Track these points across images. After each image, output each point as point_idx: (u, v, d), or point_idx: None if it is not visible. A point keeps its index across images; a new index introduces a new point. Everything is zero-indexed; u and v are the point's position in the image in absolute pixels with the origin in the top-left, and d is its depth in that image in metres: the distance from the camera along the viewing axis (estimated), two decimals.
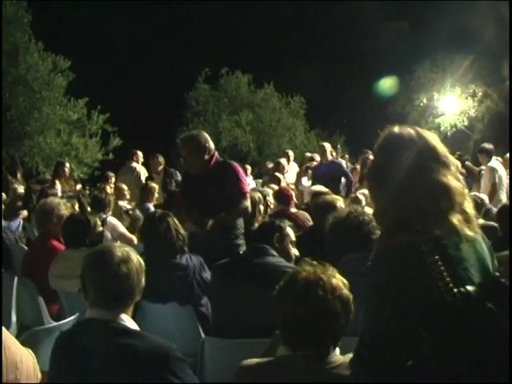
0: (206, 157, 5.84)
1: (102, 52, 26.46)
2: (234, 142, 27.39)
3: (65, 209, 6.22)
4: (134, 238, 7.29)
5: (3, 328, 2.94)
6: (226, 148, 26.93)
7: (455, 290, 2.06)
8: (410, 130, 2.36)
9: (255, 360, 2.74)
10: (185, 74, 26.41)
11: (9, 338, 2.92)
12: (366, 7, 26.49)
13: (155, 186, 9.78)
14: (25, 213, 9.97)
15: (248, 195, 5.96)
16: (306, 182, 12.64)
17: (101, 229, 5.82)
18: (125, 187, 9.81)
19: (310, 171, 12.71)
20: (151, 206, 9.02)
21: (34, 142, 21.25)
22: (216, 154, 5.99)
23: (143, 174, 11.88)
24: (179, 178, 11.30)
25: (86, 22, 26.24)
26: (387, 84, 26.06)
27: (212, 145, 5.95)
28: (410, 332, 2.06)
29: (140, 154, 12.17)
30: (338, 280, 2.60)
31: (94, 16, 26.33)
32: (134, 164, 11.91)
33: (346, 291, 2.58)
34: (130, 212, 8.32)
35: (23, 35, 21.54)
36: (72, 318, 4.13)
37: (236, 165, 6.02)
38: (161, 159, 11.99)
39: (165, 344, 2.71)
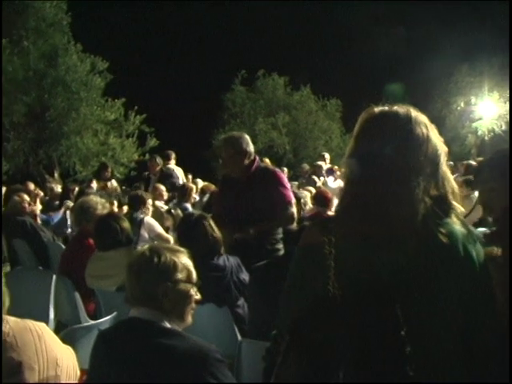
0: (247, 161, 5.65)
1: (140, 53, 26.64)
2: (270, 144, 27.40)
3: (102, 208, 6.24)
4: (171, 239, 7.31)
5: (44, 325, 2.96)
6: (262, 150, 26.92)
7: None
8: None
9: None
10: (222, 76, 26.49)
11: (49, 335, 2.93)
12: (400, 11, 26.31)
13: (193, 186, 9.85)
14: (69, 203, 10.03)
15: (293, 202, 5.81)
16: (332, 182, 12.61)
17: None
18: (163, 188, 9.86)
19: (338, 172, 12.68)
20: (189, 206, 9.08)
21: (71, 142, 21.48)
22: (257, 158, 5.81)
23: (180, 174, 11.90)
24: (175, 179, 11.32)
25: (123, 24, 26.43)
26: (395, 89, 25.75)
27: (253, 149, 5.78)
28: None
29: (174, 154, 12.20)
30: None
31: (132, 18, 26.52)
32: (171, 165, 11.94)
33: None
34: (173, 211, 8.37)
35: (62, 37, 21.83)
36: (110, 316, 4.14)
37: (280, 172, 5.89)
38: (158, 160, 11.95)
39: (204, 345, 2.69)
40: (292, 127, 27.95)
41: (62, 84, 21.11)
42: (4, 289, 2.93)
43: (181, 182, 11.75)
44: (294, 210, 5.75)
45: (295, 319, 2.00)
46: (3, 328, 2.81)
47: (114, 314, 4.19)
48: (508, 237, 2.46)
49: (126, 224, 5.59)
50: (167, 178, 11.39)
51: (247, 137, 5.82)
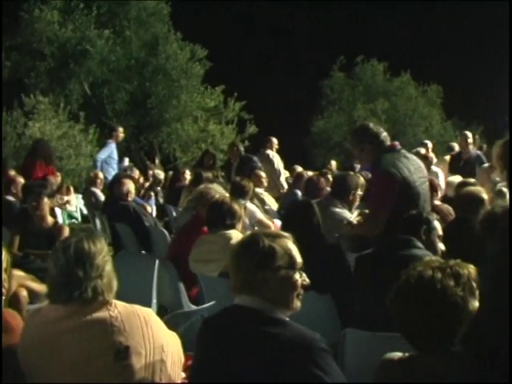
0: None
1: (239, 41, 26.74)
2: None
3: (214, 192, 6.31)
4: (272, 225, 7.30)
5: (151, 311, 2.98)
6: None
7: None
8: None
9: (397, 354, 2.63)
10: (320, 62, 26.30)
11: (156, 321, 2.95)
12: None
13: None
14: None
15: None
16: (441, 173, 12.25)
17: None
18: (263, 174, 9.87)
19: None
20: (299, 192, 9.14)
21: (171, 129, 21.83)
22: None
23: (278, 161, 11.87)
24: (255, 164, 11.28)
25: (222, 12, 26.61)
26: None
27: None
28: None
29: (275, 140, 12.16)
30: (465, 272, 2.49)
31: (231, 5, 26.64)
32: (269, 151, 11.93)
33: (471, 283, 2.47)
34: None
35: (163, 26, 22.19)
36: (212, 303, 4.14)
37: None
38: (239, 146, 12.08)
39: (309, 333, 2.63)
40: (391, 114, 27.48)
41: (163, 72, 21.45)
42: (113, 272, 2.96)
43: (280, 169, 11.71)
44: None
45: None
46: (111, 312, 2.84)
47: (217, 300, 4.18)
48: None
49: (238, 209, 5.58)
50: (247, 163, 11.36)
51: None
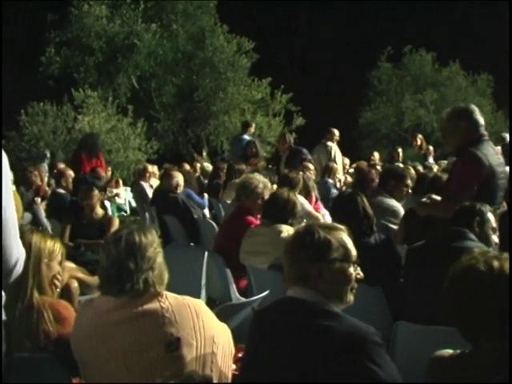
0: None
1: (285, 32, 26.66)
2: (417, 121, 26.72)
3: (263, 186, 6.29)
4: (320, 217, 7.26)
5: (202, 302, 2.98)
6: (409, 128, 26.35)
7: None
8: None
9: (448, 352, 2.59)
10: (367, 53, 26.05)
11: (207, 312, 2.95)
12: None
13: (336, 166, 9.85)
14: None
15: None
16: None
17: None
18: (311, 166, 9.84)
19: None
20: (329, 180, 9.10)
21: (219, 122, 21.90)
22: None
23: (336, 153, 11.79)
24: (304, 156, 11.21)
25: (268, 4, 26.52)
26: None
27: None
28: None
29: (336, 132, 12.10)
30: None
31: None
32: (329, 143, 11.86)
33: None
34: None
35: (209, 19, 22.25)
36: (263, 294, 4.13)
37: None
38: (288, 138, 12.03)
39: (363, 327, 2.59)
40: (440, 104, 27.06)
41: (210, 65, 21.52)
42: (164, 264, 2.97)
43: (338, 160, 11.65)
44: None
45: None
46: (163, 304, 2.85)
47: (267, 292, 4.17)
48: None
49: (295, 204, 5.55)
50: (296, 155, 11.34)
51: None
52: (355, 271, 2.76)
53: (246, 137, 12.49)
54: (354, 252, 2.77)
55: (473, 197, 4.83)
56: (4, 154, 2.57)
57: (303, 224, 2.92)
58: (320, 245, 2.70)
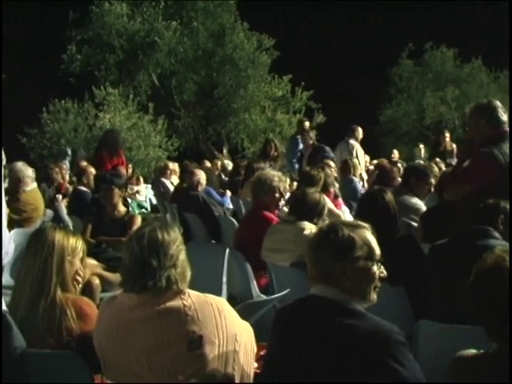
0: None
1: (306, 29, 26.61)
2: (439, 119, 26.58)
3: (278, 181, 6.27)
4: (341, 214, 7.24)
5: (224, 300, 2.97)
6: (430, 125, 26.20)
7: None
8: None
9: (471, 351, 2.56)
10: (388, 50, 25.92)
11: (229, 310, 2.95)
12: None
13: (355, 161, 9.81)
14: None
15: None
16: None
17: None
18: (332, 164, 9.81)
19: None
20: (354, 178, 9.05)
21: (239, 119, 21.93)
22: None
23: (358, 151, 11.73)
24: (327, 153, 11.17)
25: (288, 1, 26.46)
26: None
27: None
28: None
29: (360, 130, 12.04)
30: None
31: None
32: (351, 140, 11.81)
33: None
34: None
35: (230, 16, 22.29)
36: (284, 292, 4.11)
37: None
38: (311, 135, 12.08)
39: (386, 326, 2.57)
40: (462, 101, 26.89)
41: (230, 62, 21.55)
42: (187, 262, 2.96)
43: (360, 158, 11.59)
44: None
45: None
46: (185, 301, 2.85)
47: (288, 290, 4.15)
48: None
49: (319, 202, 5.53)
50: (319, 152, 11.32)
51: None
52: (379, 270, 2.74)
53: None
54: (377, 250, 2.74)
55: (486, 194, 4.77)
56: None
57: (326, 222, 2.88)
58: (344, 243, 2.67)
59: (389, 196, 4.64)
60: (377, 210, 4.52)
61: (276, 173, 6.54)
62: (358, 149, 11.73)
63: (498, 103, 5.52)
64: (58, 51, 20.53)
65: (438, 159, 11.55)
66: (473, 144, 5.47)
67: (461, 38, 26.47)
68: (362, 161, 11.72)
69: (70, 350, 3.17)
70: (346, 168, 9.92)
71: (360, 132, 11.98)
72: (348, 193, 8.97)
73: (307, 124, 12.84)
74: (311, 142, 11.88)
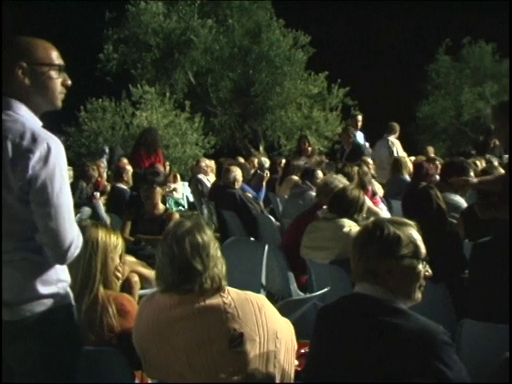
0: None
1: (341, 26, 26.48)
2: (477, 115, 26.23)
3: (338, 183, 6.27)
4: (380, 211, 7.17)
5: (264, 297, 2.96)
6: (468, 121, 25.88)
7: None
8: None
9: None
10: (425, 46, 25.68)
11: (269, 308, 2.93)
12: None
13: (405, 159, 9.75)
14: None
15: None
16: None
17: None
18: (370, 161, 9.75)
19: None
20: (407, 177, 8.97)
21: (275, 116, 21.89)
22: None
23: (397, 148, 11.64)
24: (366, 150, 11.08)
25: None
26: None
27: None
28: None
29: (397, 127, 11.95)
30: None
31: None
32: (391, 137, 11.73)
33: None
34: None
35: (265, 13, 22.24)
36: (325, 290, 4.08)
37: None
38: (351, 132, 11.89)
39: (432, 326, 2.53)
40: (501, 97, 26.54)
41: (266, 59, 21.51)
42: (222, 258, 2.95)
43: (400, 154, 11.50)
44: None
45: None
46: (225, 299, 2.84)
47: (329, 287, 4.12)
48: None
49: (359, 200, 5.49)
50: (359, 149, 11.28)
51: None
52: (424, 268, 2.69)
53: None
54: (423, 249, 2.69)
55: None
56: (60, 143, 2.69)
57: (371, 219, 2.83)
58: (389, 240, 2.64)
59: (437, 192, 4.58)
60: (425, 207, 4.47)
61: (343, 181, 6.51)
62: (398, 146, 11.64)
63: None
64: (95, 51, 20.73)
65: (488, 155, 11.35)
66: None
67: (499, 33, 26.11)
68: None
69: (110, 347, 3.18)
70: (398, 166, 9.78)
71: (398, 129, 11.90)
72: (399, 192, 8.86)
73: (360, 118, 12.73)
74: (351, 139, 11.81)
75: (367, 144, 12.58)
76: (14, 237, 2.68)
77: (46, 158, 2.59)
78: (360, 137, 12.52)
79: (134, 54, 21.44)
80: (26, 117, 2.71)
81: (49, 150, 2.60)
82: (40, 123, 2.79)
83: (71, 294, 2.86)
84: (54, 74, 2.80)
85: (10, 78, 2.73)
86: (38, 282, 2.70)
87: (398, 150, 11.56)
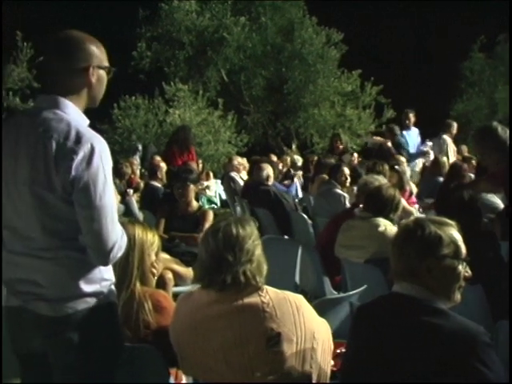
0: None
1: (374, 23, 26.29)
2: None
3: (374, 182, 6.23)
4: (414, 211, 7.12)
5: (302, 297, 2.94)
6: (502, 120, 25.55)
7: None
8: None
9: None
10: (459, 43, 25.41)
11: (307, 307, 2.92)
12: None
13: (444, 161, 9.68)
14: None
15: None
16: None
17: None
18: (402, 159, 9.67)
19: None
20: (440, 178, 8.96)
21: (308, 114, 21.78)
22: None
23: (449, 147, 11.53)
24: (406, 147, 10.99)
25: None
26: None
27: None
28: None
29: (455, 125, 11.82)
30: None
31: None
32: (445, 136, 11.62)
33: None
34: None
35: (298, 11, 22.16)
36: (360, 289, 4.06)
37: None
38: (395, 130, 11.88)
39: (473, 326, 2.50)
40: None
41: (299, 57, 21.43)
42: (263, 257, 2.95)
43: (450, 153, 11.40)
44: None
45: None
46: (263, 298, 2.83)
47: (365, 287, 4.10)
48: None
49: (395, 199, 5.45)
50: (399, 148, 11.22)
51: None
52: (464, 269, 2.66)
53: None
54: (463, 249, 2.66)
55: None
56: (104, 143, 2.73)
57: (412, 218, 2.81)
58: (430, 240, 2.61)
59: (470, 192, 4.54)
60: (457, 206, 4.43)
61: (383, 181, 6.47)
62: (449, 144, 11.53)
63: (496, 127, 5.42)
64: (128, 48, 20.82)
65: None
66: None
67: None
68: (453, 157, 11.48)
69: (146, 344, 3.19)
70: (436, 167, 9.70)
71: (455, 127, 11.75)
72: (431, 192, 8.79)
73: (411, 116, 12.53)
74: (395, 137, 11.73)
75: (419, 140, 12.33)
76: (57, 235, 2.69)
77: (89, 159, 2.60)
78: (414, 133, 12.33)
79: (167, 52, 21.51)
80: (73, 115, 2.72)
81: (92, 150, 2.61)
82: (87, 121, 2.79)
83: (115, 293, 2.88)
84: (106, 75, 2.88)
85: (64, 78, 2.74)
86: (82, 280, 2.71)
87: (449, 148, 11.44)
